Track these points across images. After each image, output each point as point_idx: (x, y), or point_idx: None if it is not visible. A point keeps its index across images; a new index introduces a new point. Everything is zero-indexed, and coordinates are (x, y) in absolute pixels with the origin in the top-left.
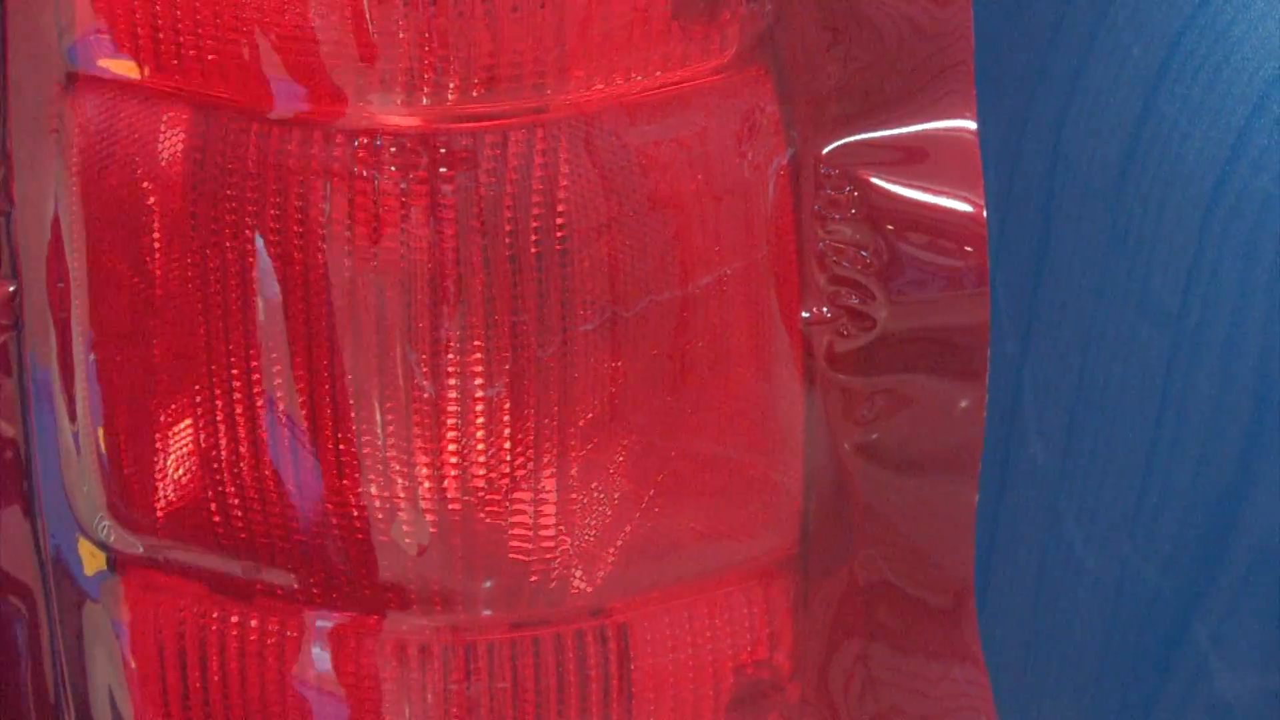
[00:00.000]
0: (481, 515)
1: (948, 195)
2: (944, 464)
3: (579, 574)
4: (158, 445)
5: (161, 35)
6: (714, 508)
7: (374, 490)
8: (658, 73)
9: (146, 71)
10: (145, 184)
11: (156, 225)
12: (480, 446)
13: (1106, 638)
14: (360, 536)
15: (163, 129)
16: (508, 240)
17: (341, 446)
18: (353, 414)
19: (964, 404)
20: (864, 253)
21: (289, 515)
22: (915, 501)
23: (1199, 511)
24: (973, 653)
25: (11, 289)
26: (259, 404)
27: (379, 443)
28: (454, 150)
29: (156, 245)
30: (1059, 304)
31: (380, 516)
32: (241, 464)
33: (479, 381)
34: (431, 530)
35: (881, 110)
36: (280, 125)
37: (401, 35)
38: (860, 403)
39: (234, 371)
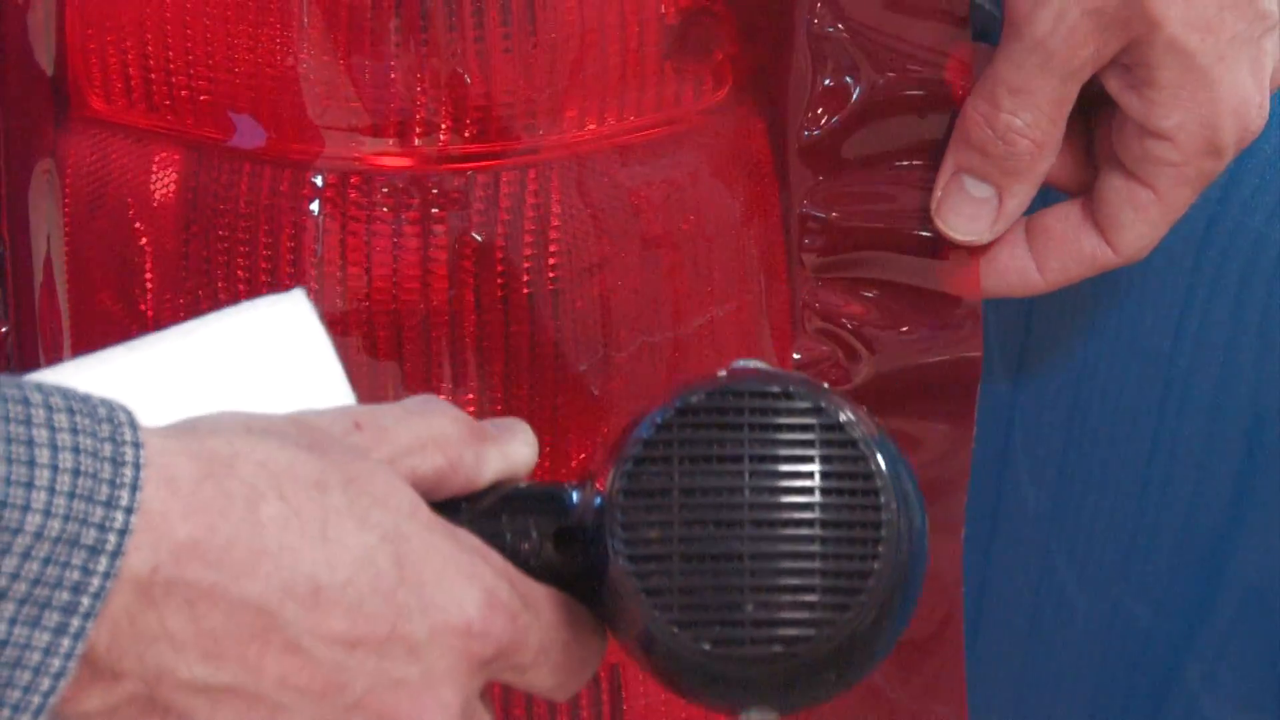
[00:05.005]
0: None
1: None
2: (933, 501)
3: None
4: None
5: (153, 76)
6: None
7: None
8: (650, 113)
9: (138, 112)
10: (137, 224)
11: (148, 265)
12: None
13: (1099, 678)
14: None
15: (154, 169)
16: (500, 281)
17: None
18: None
19: (953, 443)
20: (863, 293)
21: None
22: None
23: (1190, 552)
24: (958, 693)
25: (4, 330)
26: None
27: None
28: (446, 191)
29: (149, 286)
30: (1050, 344)
31: None
32: None
33: None
34: None
35: (874, 153)
36: (273, 166)
37: (394, 76)
38: None
39: None
